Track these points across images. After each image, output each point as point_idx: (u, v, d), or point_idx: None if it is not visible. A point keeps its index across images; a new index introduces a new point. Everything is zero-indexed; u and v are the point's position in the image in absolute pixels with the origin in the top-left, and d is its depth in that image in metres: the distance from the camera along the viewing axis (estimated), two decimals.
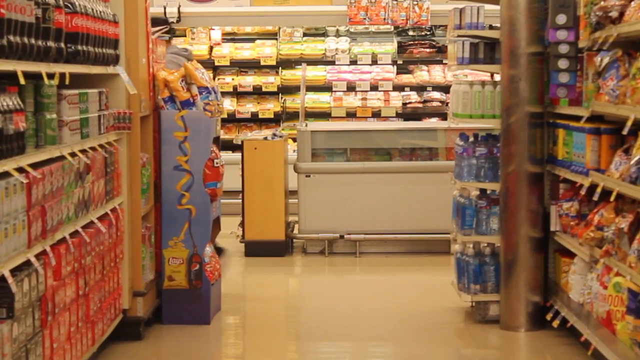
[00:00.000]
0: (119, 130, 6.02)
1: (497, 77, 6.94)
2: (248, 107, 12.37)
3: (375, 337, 6.72)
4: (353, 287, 8.37)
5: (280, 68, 12.40)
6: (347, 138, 9.78)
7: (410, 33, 12.56)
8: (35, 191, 4.42)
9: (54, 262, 4.66)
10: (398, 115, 12.12)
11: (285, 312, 7.77)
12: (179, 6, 11.69)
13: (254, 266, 9.06)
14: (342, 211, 9.30)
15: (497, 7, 6.63)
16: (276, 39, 12.55)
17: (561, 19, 6.02)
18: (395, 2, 11.79)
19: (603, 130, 5.70)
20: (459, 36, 6.97)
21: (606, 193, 5.38)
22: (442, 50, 12.09)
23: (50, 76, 4.70)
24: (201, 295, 6.77)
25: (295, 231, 9.50)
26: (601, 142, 5.69)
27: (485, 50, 6.88)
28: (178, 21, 11.72)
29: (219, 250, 9.35)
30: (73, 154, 5.04)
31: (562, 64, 6.04)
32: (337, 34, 12.62)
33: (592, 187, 5.59)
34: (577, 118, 5.96)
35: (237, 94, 12.48)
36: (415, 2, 11.75)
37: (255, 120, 12.42)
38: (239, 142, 9.42)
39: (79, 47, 5.20)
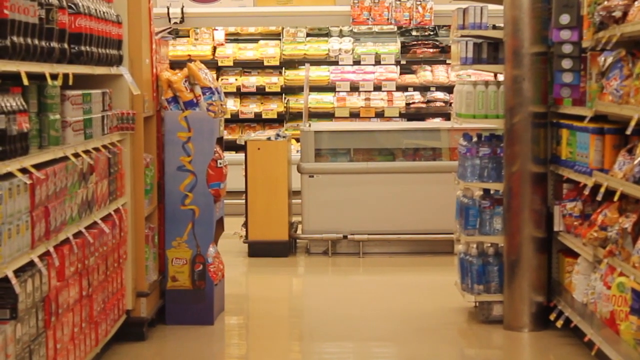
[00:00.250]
0: (122, 131, 6.02)
1: (501, 77, 6.94)
2: (251, 108, 12.37)
3: (379, 337, 6.71)
4: (356, 288, 8.36)
5: (283, 68, 12.40)
6: (350, 138, 9.77)
7: (414, 33, 12.55)
8: (39, 192, 4.42)
9: (57, 263, 4.66)
10: (401, 116, 12.12)
11: (289, 312, 7.77)
12: (183, 7, 11.69)
13: (257, 266, 9.05)
14: (345, 211, 9.30)
15: (501, 7, 6.62)
16: (279, 40, 12.56)
17: (565, 18, 6.02)
18: (398, 3, 11.78)
19: (606, 130, 5.70)
20: (462, 36, 6.97)
21: (610, 193, 5.37)
22: (445, 50, 12.09)
23: (54, 77, 4.70)
24: (204, 295, 6.77)
25: (299, 231, 9.49)
26: (605, 142, 5.68)
27: (488, 50, 6.88)
28: (181, 22, 11.73)
29: None
30: (76, 155, 5.04)
31: (566, 63, 6.03)
32: (341, 34, 12.62)
33: (596, 187, 5.59)
34: (581, 118, 5.95)
35: (240, 94, 12.48)
36: (418, 2, 11.75)
37: (258, 121, 12.42)
38: (242, 143, 9.42)
39: (82, 48, 5.20)
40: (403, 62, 12.27)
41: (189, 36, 12.52)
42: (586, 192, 5.81)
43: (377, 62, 12.18)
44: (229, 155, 9.41)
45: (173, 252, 6.76)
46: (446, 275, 7.97)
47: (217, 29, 12.46)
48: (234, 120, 12.32)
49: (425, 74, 12.26)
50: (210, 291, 6.79)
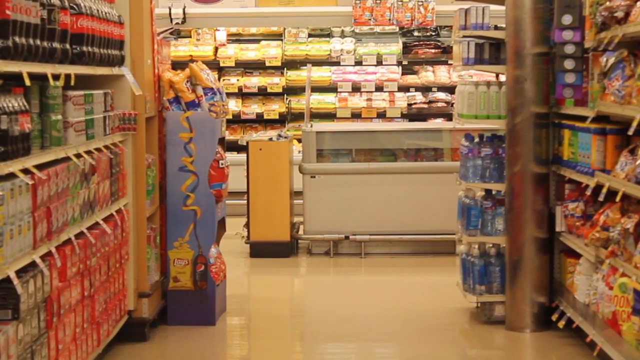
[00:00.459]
0: (124, 132, 6.03)
1: (503, 78, 6.93)
2: (253, 108, 12.37)
3: (381, 337, 6.71)
4: (358, 288, 8.36)
5: (285, 69, 12.40)
6: (352, 139, 9.77)
7: (416, 34, 12.55)
8: (41, 192, 4.42)
9: (59, 263, 4.66)
10: (403, 116, 12.12)
11: (290, 313, 7.77)
12: (184, 7, 11.69)
13: (259, 267, 9.06)
14: (347, 212, 9.30)
15: (503, 8, 6.62)
16: (281, 40, 12.56)
17: (567, 19, 6.02)
18: (400, 3, 11.78)
19: (609, 130, 5.70)
20: (464, 37, 6.96)
21: (612, 193, 5.37)
22: (447, 50, 12.09)
23: (56, 77, 4.70)
24: (206, 296, 6.77)
25: (301, 232, 9.50)
26: (607, 142, 5.68)
27: (490, 51, 6.88)
28: (183, 22, 11.72)
29: None
30: (78, 155, 5.04)
31: (568, 64, 6.03)
32: (342, 35, 12.62)
33: (598, 188, 5.58)
34: (583, 118, 5.95)
35: (242, 94, 12.48)
36: (420, 3, 11.75)
37: (260, 121, 12.42)
38: (244, 143, 9.43)
39: (84, 48, 5.20)
40: (405, 62, 12.27)
41: (190, 37, 12.52)
42: (588, 192, 5.81)
43: (379, 63, 12.17)
44: (231, 156, 9.40)
45: (175, 252, 6.77)
46: (448, 276, 7.98)
47: (218, 30, 12.46)
48: (236, 121, 12.32)
49: (427, 75, 12.26)
50: (212, 292, 6.79)
